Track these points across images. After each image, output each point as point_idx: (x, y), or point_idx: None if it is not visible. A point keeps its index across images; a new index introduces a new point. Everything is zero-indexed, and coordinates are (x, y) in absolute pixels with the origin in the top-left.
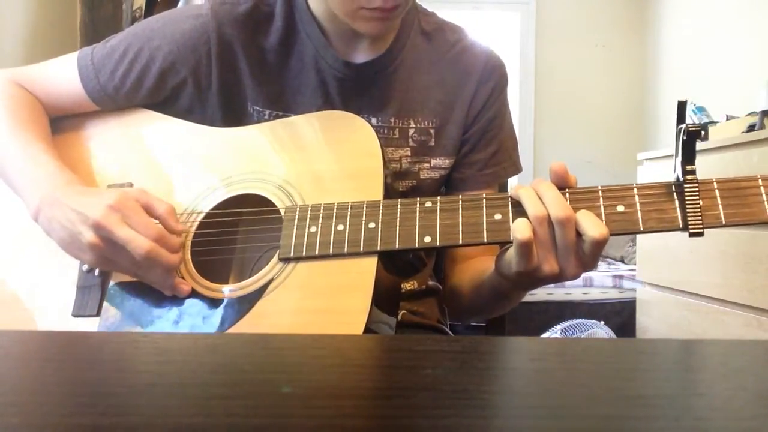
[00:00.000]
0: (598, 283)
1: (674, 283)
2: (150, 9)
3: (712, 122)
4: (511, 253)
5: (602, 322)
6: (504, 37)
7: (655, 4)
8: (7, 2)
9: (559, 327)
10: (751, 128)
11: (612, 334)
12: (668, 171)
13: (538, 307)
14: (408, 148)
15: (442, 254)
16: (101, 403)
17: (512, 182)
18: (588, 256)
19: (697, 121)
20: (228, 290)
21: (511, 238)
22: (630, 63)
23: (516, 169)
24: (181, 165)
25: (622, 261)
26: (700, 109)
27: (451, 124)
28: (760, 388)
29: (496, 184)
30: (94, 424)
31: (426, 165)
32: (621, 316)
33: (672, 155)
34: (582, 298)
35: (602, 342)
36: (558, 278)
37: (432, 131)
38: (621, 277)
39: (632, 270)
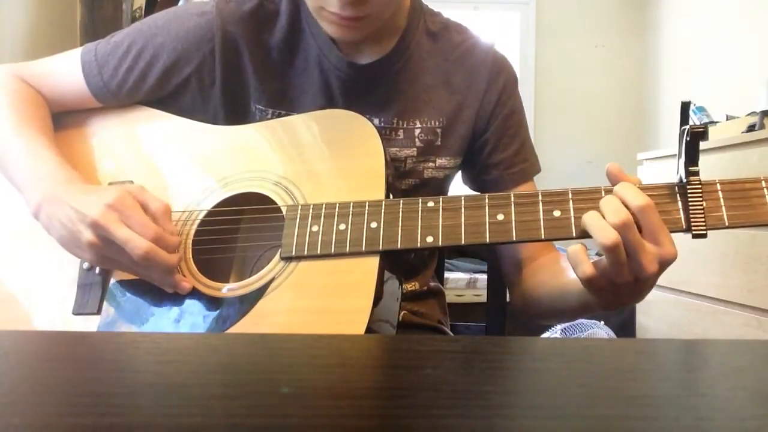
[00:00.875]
0: None
1: (674, 283)
2: (150, 9)
3: (712, 122)
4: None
5: (602, 322)
6: (504, 37)
7: (655, 4)
8: (7, 2)
9: (559, 327)
10: (751, 128)
11: (612, 334)
12: (669, 171)
13: None
14: (415, 149)
15: (444, 255)
16: (101, 403)
17: None
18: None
19: (697, 122)
20: (229, 289)
21: (513, 237)
22: (630, 63)
23: (539, 166)
24: (183, 163)
25: None
26: (700, 109)
27: (459, 124)
28: (760, 388)
29: (527, 180)
30: (94, 424)
31: (431, 164)
32: (621, 316)
33: (673, 155)
34: None
35: (602, 342)
36: (636, 284)
37: (439, 131)
38: None
39: None
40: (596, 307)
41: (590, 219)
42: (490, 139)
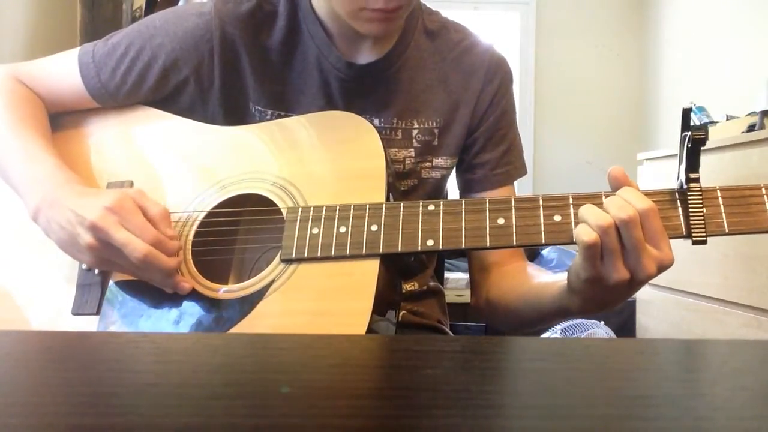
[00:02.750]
0: None
1: (674, 283)
2: (150, 9)
3: (712, 122)
4: (577, 261)
5: (602, 322)
6: (504, 37)
7: (655, 5)
8: (7, 2)
9: (559, 327)
10: (751, 128)
11: (612, 334)
12: (668, 171)
13: None
14: (412, 149)
15: (444, 256)
16: (101, 403)
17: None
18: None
19: (697, 121)
20: (229, 290)
21: (514, 241)
22: (630, 63)
23: (525, 169)
24: (182, 164)
25: None
26: (700, 109)
27: (455, 124)
28: (760, 388)
29: (510, 183)
30: (94, 424)
31: (428, 164)
32: (621, 316)
33: (673, 155)
34: None
35: (602, 342)
36: (630, 284)
37: (436, 131)
38: None
39: None
40: (574, 309)
41: (586, 208)
42: (480, 138)
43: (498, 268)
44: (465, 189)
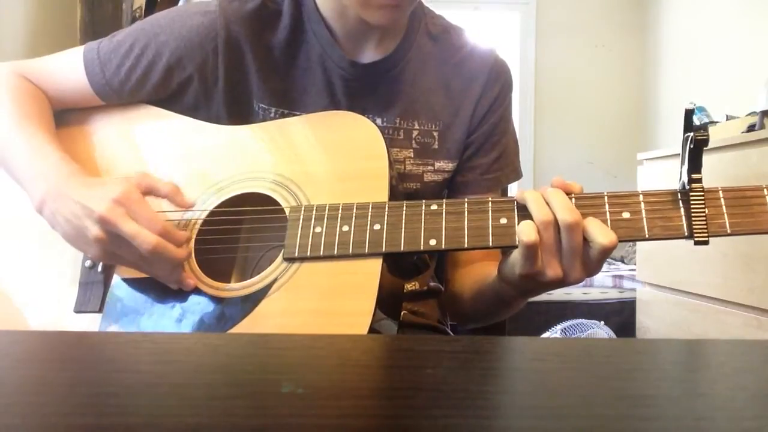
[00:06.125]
0: (598, 283)
1: (674, 283)
2: (150, 9)
3: (712, 122)
4: (516, 256)
5: (602, 322)
6: (504, 37)
7: (655, 5)
8: (7, 2)
9: (559, 327)
10: (751, 128)
11: (612, 334)
12: (668, 171)
13: (538, 307)
14: (411, 150)
15: (444, 256)
16: (101, 403)
17: (512, 187)
18: (594, 262)
19: (697, 122)
20: (231, 289)
21: (516, 241)
22: (630, 63)
23: (517, 174)
24: (185, 162)
25: (622, 261)
26: (700, 109)
27: (455, 128)
28: (760, 388)
29: (498, 189)
30: (94, 424)
31: (430, 168)
32: (621, 316)
33: (673, 155)
34: (582, 298)
35: (602, 342)
36: (561, 283)
37: (435, 134)
38: (621, 277)
39: (632, 270)
40: (507, 298)
41: (532, 195)
42: (474, 142)
43: (467, 266)
44: (453, 190)
